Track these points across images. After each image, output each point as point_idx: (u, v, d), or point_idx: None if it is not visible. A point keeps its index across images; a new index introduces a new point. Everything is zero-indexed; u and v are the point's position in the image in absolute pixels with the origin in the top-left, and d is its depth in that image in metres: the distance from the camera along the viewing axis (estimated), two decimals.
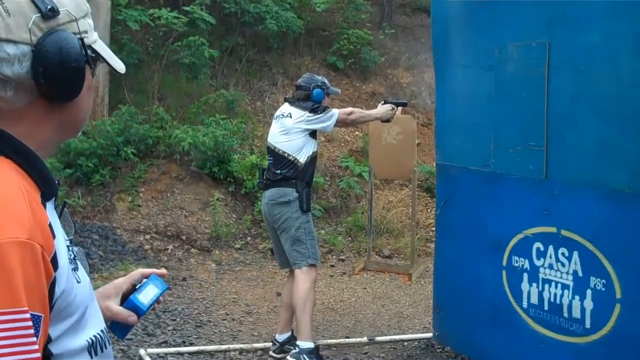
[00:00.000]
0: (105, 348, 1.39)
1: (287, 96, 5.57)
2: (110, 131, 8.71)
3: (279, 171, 5.15)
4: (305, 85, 5.31)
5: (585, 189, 3.94)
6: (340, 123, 5.31)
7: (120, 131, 8.81)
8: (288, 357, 5.06)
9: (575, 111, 3.99)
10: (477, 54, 4.73)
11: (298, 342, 4.99)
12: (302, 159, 5.14)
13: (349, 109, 5.46)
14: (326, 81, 5.46)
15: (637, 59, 3.68)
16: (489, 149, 4.55)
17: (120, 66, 1.45)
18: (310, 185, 5.26)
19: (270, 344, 5.34)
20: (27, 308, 1.10)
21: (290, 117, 5.17)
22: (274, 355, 5.28)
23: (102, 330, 1.39)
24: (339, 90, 6.15)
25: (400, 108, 5.66)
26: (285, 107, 5.29)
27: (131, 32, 10.16)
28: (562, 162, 4.08)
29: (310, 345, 4.96)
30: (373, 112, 5.57)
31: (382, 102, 5.60)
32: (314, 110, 5.14)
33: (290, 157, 5.14)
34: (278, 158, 5.19)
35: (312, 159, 5.23)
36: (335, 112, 5.20)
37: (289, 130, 5.14)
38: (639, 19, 3.65)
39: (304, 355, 4.92)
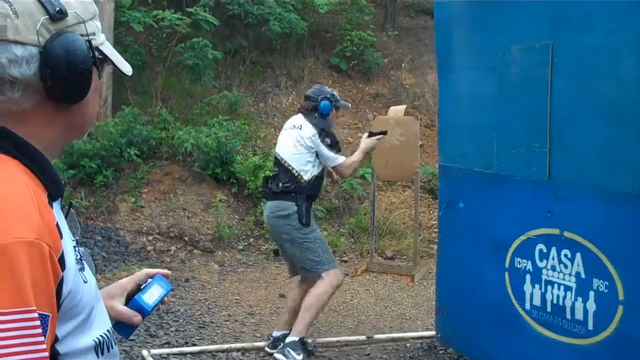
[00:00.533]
0: (112, 348, 1.40)
1: (300, 105, 5.53)
2: (114, 132, 8.73)
3: (281, 184, 5.09)
4: (313, 96, 5.23)
5: (588, 191, 3.94)
6: (336, 171, 5.33)
7: (123, 132, 8.82)
8: (275, 353, 5.08)
9: (578, 113, 3.99)
10: (480, 55, 4.74)
11: (288, 338, 5.02)
12: (307, 176, 5.06)
13: (351, 164, 5.27)
14: (336, 94, 5.36)
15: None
16: (492, 150, 4.55)
17: (127, 68, 1.46)
18: (312, 200, 5.20)
19: None
20: (34, 307, 1.11)
21: (301, 129, 5.11)
22: (267, 350, 5.30)
23: (108, 330, 1.40)
24: (349, 104, 5.88)
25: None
26: (298, 119, 5.23)
27: (135, 34, 10.19)
28: (565, 164, 4.08)
29: (295, 338, 4.97)
30: (361, 151, 5.37)
31: (367, 134, 5.53)
32: (322, 135, 5.07)
33: (294, 172, 5.06)
34: (283, 170, 5.13)
35: (317, 178, 5.16)
36: (340, 160, 5.16)
37: (298, 143, 5.08)
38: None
39: (288, 349, 4.94)
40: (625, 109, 3.73)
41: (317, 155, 5.10)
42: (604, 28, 3.81)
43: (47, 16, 1.25)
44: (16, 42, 1.23)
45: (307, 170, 5.07)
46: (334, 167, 5.23)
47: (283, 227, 5.08)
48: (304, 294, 5.12)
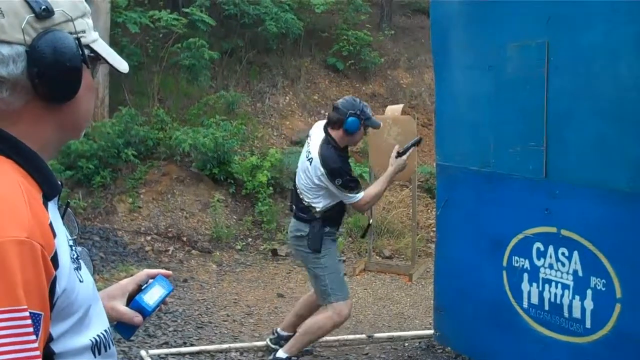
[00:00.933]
0: (109, 348, 1.39)
1: (328, 114, 4.92)
2: (111, 133, 8.72)
3: (296, 208, 4.81)
4: (342, 109, 4.65)
5: (585, 189, 3.94)
6: (353, 207, 4.85)
7: (120, 133, 8.82)
8: None
9: (574, 111, 3.98)
10: (476, 54, 4.73)
11: (278, 352, 4.91)
12: (319, 207, 4.67)
13: (371, 199, 4.74)
14: (367, 110, 4.73)
15: (637, 59, 3.68)
16: (489, 149, 4.55)
17: (123, 66, 1.45)
18: (329, 225, 4.74)
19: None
20: (25, 306, 1.10)
21: (311, 163, 4.66)
22: (269, 343, 5.25)
23: (105, 330, 1.40)
24: (380, 123, 5.02)
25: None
26: (316, 140, 4.73)
27: (131, 34, 10.18)
28: (562, 162, 4.07)
29: (283, 356, 4.86)
30: (387, 177, 4.83)
31: (395, 154, 4.84)
32: (333, 174, 4.56)
33: (305, 202, 4.71)
34: (296, 193, 4.80)
35: (334, 206, 4.72)
36: (356, 198, 4.63)
37: (307, 177, 4.69)
38: (639, 18, 3.65)
39: None
40: (622, 107, 3.72)
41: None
42: (600, 26, 3.80)
43: (32, 14, 1.25)
44: (2, 42, 1.23)
45: (318, 202, 4.67)
46: (349, 204, 4.77)
47: (297, 248, 4.85)
48: (316, 304, 5.00)
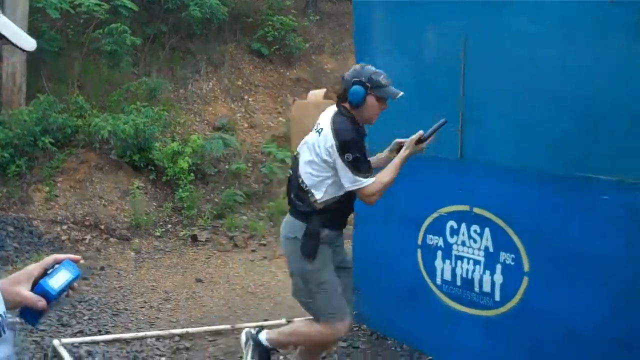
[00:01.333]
0: (4, 333, 1.36)
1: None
2: (28, 120, 8.49)
3: (293, 198, 3.91)
4: (347, 78, 3.79)
5: (498, 169, 4.04)
6: (359, 195, 3.81)
7: (38, 120, 8.60)
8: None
9: (490, 94, 4.08)
10: (397, 39, 4.79)
11: (261, 333, 4.23)
12: (319, 196, 3.75)
13: (379, 189, 3.72)
14: (379, 77, 3.72)
15: (551, 45, 3.77)
16: (407, 131, 4.57)
17: (29, 45, 1.39)
18: (330, 226, 3.84)
19: (189, 329, 5.25)
20: None
21: (320, 135, 3.76)
22: None
23: (0, 315, 1.36)
24: (399, 93, 3.81)
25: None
26: (325, 115, 3.85)
27: (51, 20, 9.91)
28: (476, 143, 4.17)
29: (265, 339, 4.16)
30: (400, 160, 3.81)
31: (417, 136, 3.79)
32: (345, 147, 3.64)
33: (305, 188, 3.80)
34: (295, 180, 3.89)
35: (339, 202, 3.80)
36: (362, 184, 3.66)
37: (314, 153, 3.77)
38: (553, 7, 3.73)
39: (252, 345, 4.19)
40: (535, 91, 3.82)
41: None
42: (518, 14, 3.89)
43: None
44: None
45: (322, 190, 3.75)
46: (354, 191, 3.76)
47: (288, 253, 4.03)
48: None
